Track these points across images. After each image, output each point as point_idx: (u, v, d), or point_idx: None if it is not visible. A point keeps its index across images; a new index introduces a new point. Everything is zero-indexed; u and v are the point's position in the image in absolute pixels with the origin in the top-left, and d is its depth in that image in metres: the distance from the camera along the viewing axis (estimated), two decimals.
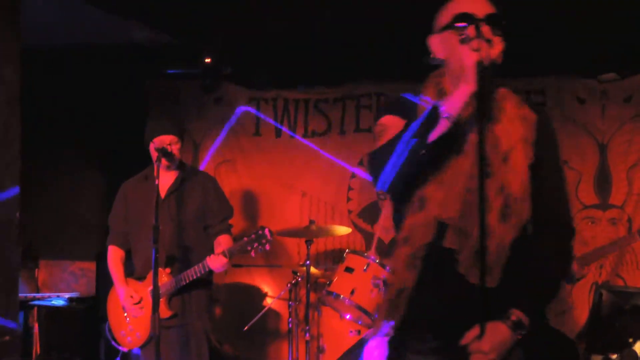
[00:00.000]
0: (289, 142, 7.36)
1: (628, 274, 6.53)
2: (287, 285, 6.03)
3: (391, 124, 2.59)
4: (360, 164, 7.14)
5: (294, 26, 6.18)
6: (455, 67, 2.45)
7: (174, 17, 6.08)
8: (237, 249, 4.52)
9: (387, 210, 7.13)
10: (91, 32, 6.39)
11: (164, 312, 4.52)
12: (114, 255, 4.88)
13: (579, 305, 6.57)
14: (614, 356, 5.77)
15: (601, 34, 6.12)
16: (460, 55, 2.36)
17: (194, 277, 4.53)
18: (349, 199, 7.20)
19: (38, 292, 7.21)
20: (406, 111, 2.53)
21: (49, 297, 6.84)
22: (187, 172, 4.86)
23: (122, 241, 4.89)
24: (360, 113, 7.21)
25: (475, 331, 2.34)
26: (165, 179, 4.74)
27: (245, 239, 4.50)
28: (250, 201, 7.28)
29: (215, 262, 4.47)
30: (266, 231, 4.49)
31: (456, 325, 2.39)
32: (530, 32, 6.12)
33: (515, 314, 2.39)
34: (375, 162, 2.56)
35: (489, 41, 2.36)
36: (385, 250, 6.77)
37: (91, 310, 6.73)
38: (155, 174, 4.45)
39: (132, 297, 4.67)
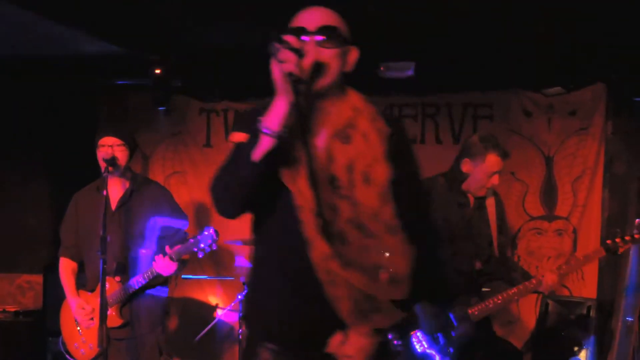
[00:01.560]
0: None
1: (573, 284, 6.63)
2: (238, 297, 6.02)
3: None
4: None
5: (244, 38, 6.19)
6: None
7: (123, 29, 6.04)
8: (183, 250, 4.48)
9: None
10: (39, 43, 6.31)
11: (115, 320, 4.49)
12: (66, 267, 4.82)
13: (525, 315, 6.66)
14: None
15: (547, 48, 6.23)
16: (272, 68, 2.33)
17: (143, 282, 4.49)
18: None
19: None
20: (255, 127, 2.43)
21: None
22: (138, 183, 4.81)
23: (73, 253, 4.83)
24: None
25: (338, 337, 2.39)
26: (116, 190, 4.70)
27: (191, 240, 4.47)
28: (201, 213, 7.25)
29: (162, 264, 4.43)
30: (211, 231, 4.46)
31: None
32: (477, 47, 6.22)
33: None
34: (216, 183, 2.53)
35: (298, 51, 2.29)
36: None
37: (38, 324, 6.63)
38: (105, 184, 4.41)
39: (83, 308, 4.62)
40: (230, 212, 2.52)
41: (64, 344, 4.80)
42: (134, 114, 7.51)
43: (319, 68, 2.37)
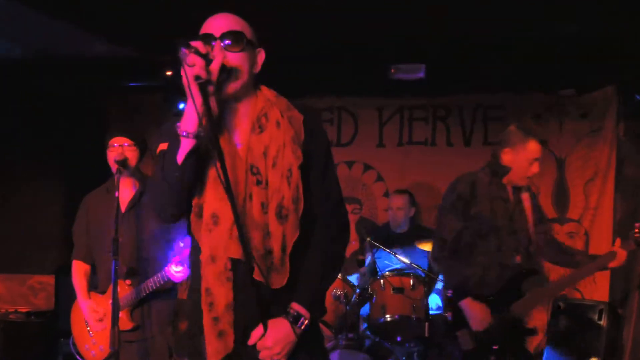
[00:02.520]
0: None
1: (585, 287, 6.61)
2: None
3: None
4: None
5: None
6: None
7: (134, 30, 6.05)
8: None
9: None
10: (51, 45, 6.33)
11: (126, 323, 4.48)
12: (78, 270, 4.82)
13: (537, 318, 6.64)
14: None
15: (558, 50, 6.21)
16: (182, 73, 2.42)
17: (154, 287, 4.48)
18: None
19: None
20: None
21: (7, 311, 6.75)
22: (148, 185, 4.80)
23: (85, 255, 4.82)
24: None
25: (259, 330, 2.50)
26: (126, 192, 4.69)
27: None
28: None
29: (173, 270, 4.43)
30: None
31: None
32: (488, 49, 6.21)
33: (294, 309, 2.55)
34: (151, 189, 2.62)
35: (204, 56, 2.39)
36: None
37: (50, 325, 6.65)
38: (115, 186, 4.40)
39: (95, 310, 4.62)
40: (169, 216, 2.63)
41: (74, 345, 4.81)
42: (145, 116, 7.53)
43: (227, 70, 2.47)
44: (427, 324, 5.57)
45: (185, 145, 2.44)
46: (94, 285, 4.77)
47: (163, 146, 2.62)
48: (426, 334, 5.60)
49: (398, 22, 5.72)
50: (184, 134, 2.42)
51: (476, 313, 4.41)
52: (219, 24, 2.55)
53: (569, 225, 6.75)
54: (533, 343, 6.38)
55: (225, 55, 2.47)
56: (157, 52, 6.60)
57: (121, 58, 6.69)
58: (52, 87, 7.11)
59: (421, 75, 6.63)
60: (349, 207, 7.20)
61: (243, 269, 2.48)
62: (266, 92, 2.68)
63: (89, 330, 4.70)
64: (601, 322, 5.84)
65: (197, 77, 2.37)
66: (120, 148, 4.54)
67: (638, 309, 5.74)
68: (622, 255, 4.49)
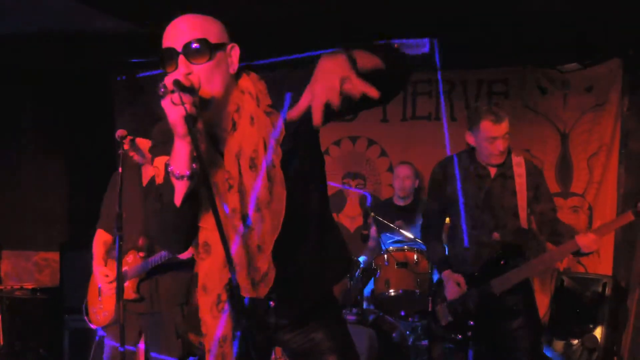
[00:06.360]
0: None
1: (589, 260, 6.61)
2: None
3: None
4: (326, 152, 7.16)
5: (265, 11, 6.17)
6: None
7: (138, 5, 6.03)
8: None
9: (352, 198, 7.22)
10: (54, 20, 6.31)
11: (130, 294, 4.54)
12: (99, 238, 4.90)
13: (540, 291, 6.66)
14: (575, 341, 5.88)
15: (563, 24, 6.18)
16: (165, 112, 2.17)
17: (160, 261, 4.52)
18: None
19: (1, 283, 7.15)
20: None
21: (12, 287, 6.79)
22: None
23: (108, 226, 4.89)
24: None
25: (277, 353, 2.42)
26: (151, 167, 4.75)
27: None
28: None
29: None
30: None
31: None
32: (492, 23, 6.18)
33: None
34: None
35: (190, 90, 2.15)
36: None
37: (55, 301, 6.69)
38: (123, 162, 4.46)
39: (106, 275, 4.68)
40: (176, 251, 2.60)
41: (86, 306, 4.91)
42: (149, 92, 7.51)
43: (204, 101, 2.23)
44: (430, 298, 5.59)
45: (180, 187, 2.25)
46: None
47: (160, 161, 2.41)
48: (430, 308, 5.62)
49: None
50: (177, 175, 2.22)
51: (452, 283, 4.50)
52: (178, 34, 2.29)
53: (572, 199, 6.75)
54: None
55: (192, 71, 2.22)
56: (162, 27, 6.58)
57: (125, 34, 6.67)
58: (57, 63, 7.10)
59: (425, 50, 6.60)
60: (352, 183, 7.22)
61: (240, 295, 2.29)
62: (243, 82, 2.38)
63: (99, 295, 4.79)
64: (605, 296, 5.87)
65: (187, 117, 2.13)
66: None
67: None
68: (583, 241, 4.20)
